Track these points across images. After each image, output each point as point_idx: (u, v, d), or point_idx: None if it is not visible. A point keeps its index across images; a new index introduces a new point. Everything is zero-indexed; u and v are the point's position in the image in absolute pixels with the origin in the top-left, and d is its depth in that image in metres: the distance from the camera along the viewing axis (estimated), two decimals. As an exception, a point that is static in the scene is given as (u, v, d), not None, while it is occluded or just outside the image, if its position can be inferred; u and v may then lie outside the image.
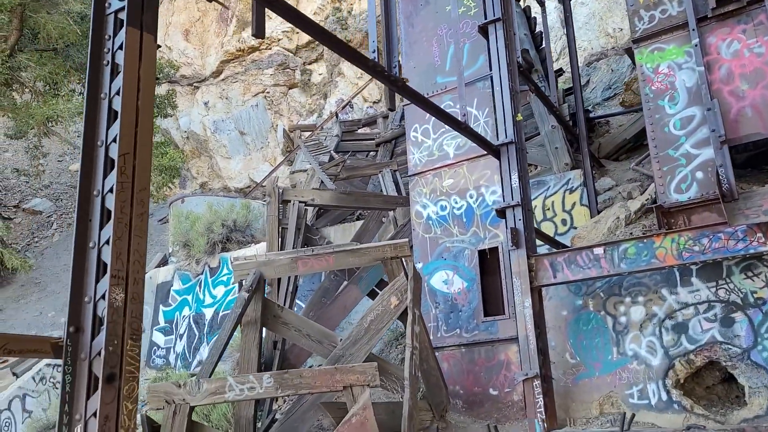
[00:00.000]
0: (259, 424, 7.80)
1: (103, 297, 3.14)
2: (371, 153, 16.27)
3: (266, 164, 23.30)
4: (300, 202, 9.38)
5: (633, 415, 4.20)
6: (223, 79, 24.30)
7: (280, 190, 9.49)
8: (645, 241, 6.14)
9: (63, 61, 16.44)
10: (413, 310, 7.10)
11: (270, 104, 24.04)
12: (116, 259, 3.02)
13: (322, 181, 11.89)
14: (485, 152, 8.44)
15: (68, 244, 19.00)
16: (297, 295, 10.31)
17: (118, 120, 3.25)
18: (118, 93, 3.42)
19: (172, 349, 13.94)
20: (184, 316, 14.16)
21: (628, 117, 11.59)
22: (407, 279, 7.24)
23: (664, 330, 6.38)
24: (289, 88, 24.47)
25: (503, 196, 8.08)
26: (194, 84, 24.64)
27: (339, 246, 7.85)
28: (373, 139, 16.46)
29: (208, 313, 14.00)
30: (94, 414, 2.98)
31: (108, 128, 3.37)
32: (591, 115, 11.56)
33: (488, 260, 8.37)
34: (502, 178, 7.50)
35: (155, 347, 14.15)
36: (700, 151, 6.41)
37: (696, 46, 6.46)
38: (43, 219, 20.87)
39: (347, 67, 23.88)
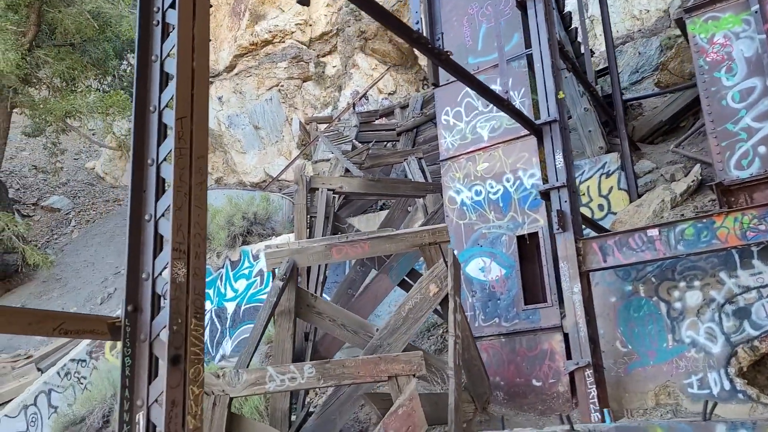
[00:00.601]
0: (293, 417, 7.56)
1: (161, 273, 2.90)
2: (389, 143, 15.99)
3: (281, 158, 23.05)
4: (328, 189, 9.12)
5: (715, 404, 3.92)
6: (236, 74, 24.06)
7: (308, 178, 9.23)
8: (704, 221, 5.83)
9: (80, 56, 16.27)
10: (454, 298, 6.83)
11: (284, 98, 23.80)
12: (177, 231, 2.76)
13: (346, 170, 11.62)
14: (522, 134, 8.19)
15: (87, 241, 18.86)
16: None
17: (173, 82, 2.99)
18: (170, 55, 3.17)
19: (194, 344, 13.73)
20: (205, 310, 13.96)
21: (661, 99, 11.24)
22: (446, 266, 6.98)
23: (724, 315, 6.07)
24: (303, 81, 24.20)
25: (546, 178, 7.79)
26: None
27: (374, 232, 7.59)
28: (393, 129, 16.18)
29: (230, 306, 13.79)
30: (157, 400, 2.73)
31: (161, 92, 3.12)
32: (623, 97, 11.21)
33: (527, 246, 8.08)
34: (545, 158, 7.21)
35: (177, 342, 13.95)
36: (762, 124, 6.08)
37: (756, 12, 6.13)
38: (62, 216, 20.75)
39: (362, 59, 23.59)
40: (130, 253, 2.90)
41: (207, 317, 13.77)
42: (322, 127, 18.62)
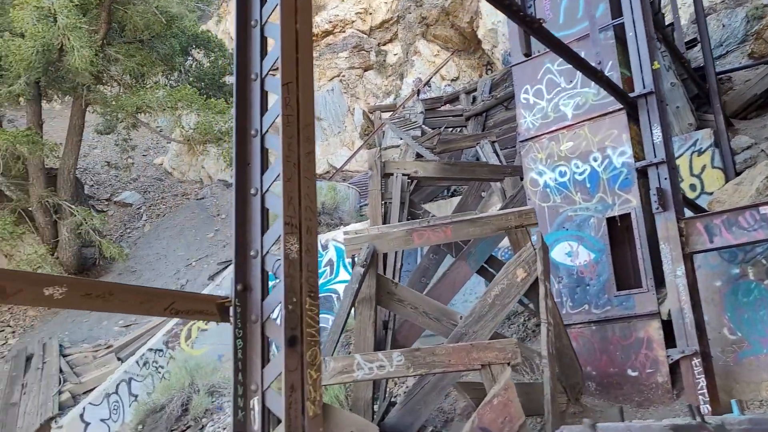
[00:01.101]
0: (375, 407, 7.38)
1: (270, 250, 2.71)
2: (456, 129, 15.62)
3: (344, 149, 23.00)
4: (403, 174, 8.88)
5: None
6: (298, 66, 24.10)
7: (382, 164, 9.01)
8: (829, 194, 5.28)
9: (148, 52, 16.56)
10: (545, 283, 6.48)
11: (346, 88, 23.71)
12: (288, 204, 2.56)
13: (417, 155, 11.37)
14: (610, 110, 7.73)
15: (159, 234, 19.32)
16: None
17: (277, 46, 2.79)
18: (270, 19, 2.97)
19: (266, 334, 13.80)
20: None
21: (753, 72, 10.47)
22: (534, 249, 6.63)
23: None
24: (365, 71, 24.07)
25: (639, 155, 7.35)
26: (270, 72, 24.57)
27: (457, 215, 7.31)
28: (460, 115, 15.80)
29: (301, 297, 13.73)
30: (272, 384, 2.54)
31: (262, 59, 2.93)
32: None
33: (618, 228, 7.62)
34: (641, 134, 6.76)
35: (250, 332, 14.05)
36: None
37: None
38: (133, 211, 21.36)
39: (423, 46, 23.24)
40: (237, 230, 2.72)
41: (278, 308, 13.74)
42: (386, 115, 18.39)
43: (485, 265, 8.89)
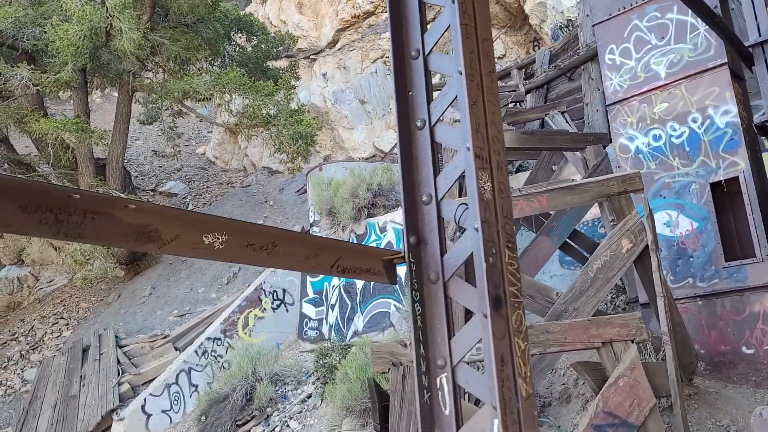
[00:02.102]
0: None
1: (444, 195, 2.21)
2: (512, 104, 14.97)
3: (390, 131, 22.45)
4: (478, 146, 8.32)
5: None
6: (339, 49, 23.62)
7: (454, 136, 8.47)
8: None
9: (193, 36, 16.23)
10: (656, 253, 5.90)
11: (390, 69, 23.14)
12: (476, 133, 2.06)
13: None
14: (710, 66, 7.09)
15: (207, 222, 19.08)
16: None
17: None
18: None
19: (324, 321, 13.43)
20: (333, 286, 13.57)
21: None
22: (641, 217, 6.05)
23: None
24: (407, 52, 23.43)
25: (746, 113, 6.68)
26: (311, 56, 24.15)
27: (552, 183, 6.76)
28: (513, 90, 15.14)
29: (360, 282, 13.30)
30: (464, 358, 2.05)
31: (417, -34, 2.42)
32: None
33: (723, 194, 6.98)
34: (760, 86, 6.09)
35: (306, 319, 13.71)
36: None
37: None
38: (179, 200, 21.21)
39: (467, 23, 22.49)
40: (404, 172, 2.23)
41: (335, 293, 13.31)
42: (435, 94, 17.82)
43: (568, 240, 8.34)
